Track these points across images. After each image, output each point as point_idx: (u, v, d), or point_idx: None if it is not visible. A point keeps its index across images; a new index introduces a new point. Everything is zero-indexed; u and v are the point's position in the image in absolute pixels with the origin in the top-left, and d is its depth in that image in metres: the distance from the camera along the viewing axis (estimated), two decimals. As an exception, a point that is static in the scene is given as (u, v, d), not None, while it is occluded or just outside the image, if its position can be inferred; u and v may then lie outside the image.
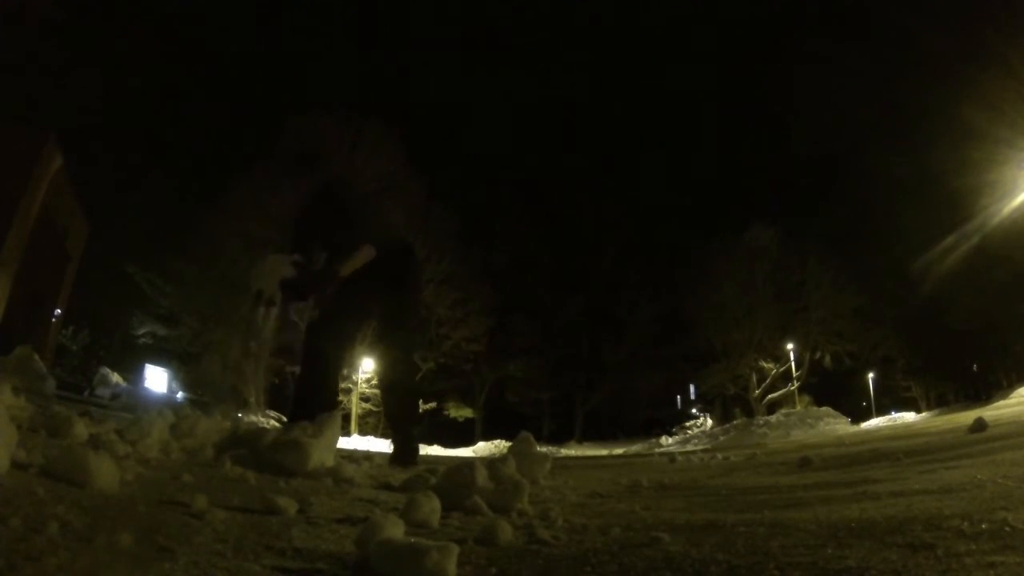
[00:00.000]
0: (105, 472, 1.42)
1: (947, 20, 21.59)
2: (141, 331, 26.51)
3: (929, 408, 33.09)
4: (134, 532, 1.07)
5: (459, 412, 33.31)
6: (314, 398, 3.58)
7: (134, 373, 21.48)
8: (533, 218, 35.34)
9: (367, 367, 26.10)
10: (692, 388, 39.09)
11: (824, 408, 25.11)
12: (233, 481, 2.06)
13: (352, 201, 4.08)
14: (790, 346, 31.22)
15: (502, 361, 32.76)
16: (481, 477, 1.90)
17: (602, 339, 34.62)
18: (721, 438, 22.20)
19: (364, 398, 25.71)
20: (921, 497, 1.77)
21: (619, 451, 22.04)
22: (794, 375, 30.98)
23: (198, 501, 1.41)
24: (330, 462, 2.74)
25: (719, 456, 5.63)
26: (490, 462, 2.09)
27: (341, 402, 24.13)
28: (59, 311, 26.33)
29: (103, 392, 13.95)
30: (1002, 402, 19.23)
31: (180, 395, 21.71)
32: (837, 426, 21.55)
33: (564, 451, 23.20)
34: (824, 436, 15.35)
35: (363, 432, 24.38)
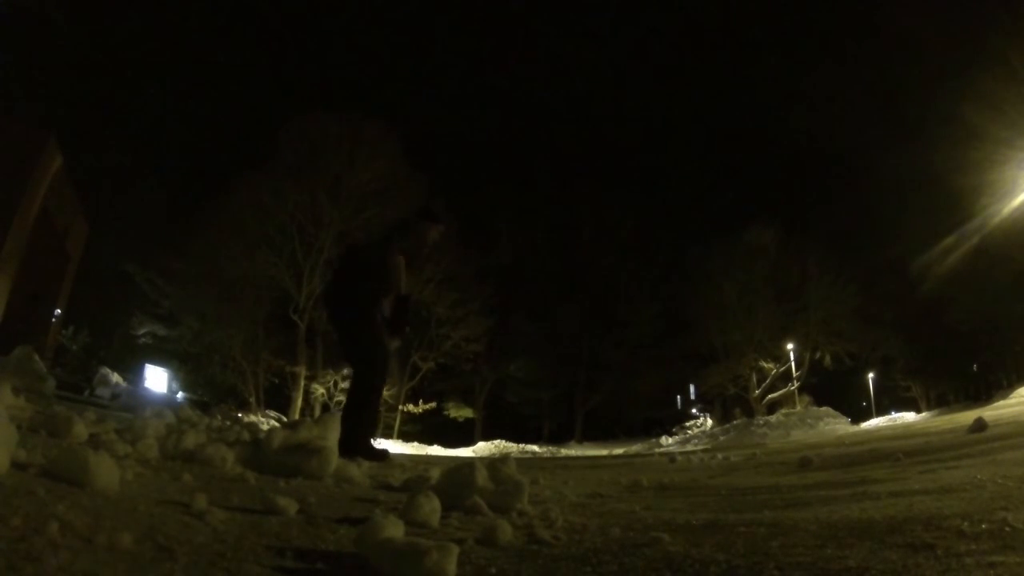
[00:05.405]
0: (105, 472, 1.42)
1: (947, 20, 21.61)
2: (141, 331, 26.49)
3: (929, 408, 33.08)
4: (134, 532, 1.07)
5: (459, 412, 33.29)
6: None
7: (134, 373, 21.45)
8: (533, 218, 35.36)
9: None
10: (692, 388, 39.04)
11: (824, 408, 25.08)
12: (233, 481, 2.06)
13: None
14: (790, 346, 31.19)
15: (502, 361, 32.75)
16: (481, 477, 1.90)
17: (602, 339, 34.60)
18: (721, 438, 22.19)
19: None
20: (921, 497, 1.76)
21: (619, 451, 22.02)
22: (794, 375, 30.93)
23: (198, 501, 1.41)
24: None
25: (719, 456, 5.63)
26: (490, 462, 2.08)
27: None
28: (59, 311, 26.29)
29: (103, 392, 13.93)
30: (1002, 402, 19.22)
31: (180, 395, 21.71)
32: (837, 426, 21.52)
33: (564, 451, 23.17)
34: (824, 436, 15.34)
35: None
